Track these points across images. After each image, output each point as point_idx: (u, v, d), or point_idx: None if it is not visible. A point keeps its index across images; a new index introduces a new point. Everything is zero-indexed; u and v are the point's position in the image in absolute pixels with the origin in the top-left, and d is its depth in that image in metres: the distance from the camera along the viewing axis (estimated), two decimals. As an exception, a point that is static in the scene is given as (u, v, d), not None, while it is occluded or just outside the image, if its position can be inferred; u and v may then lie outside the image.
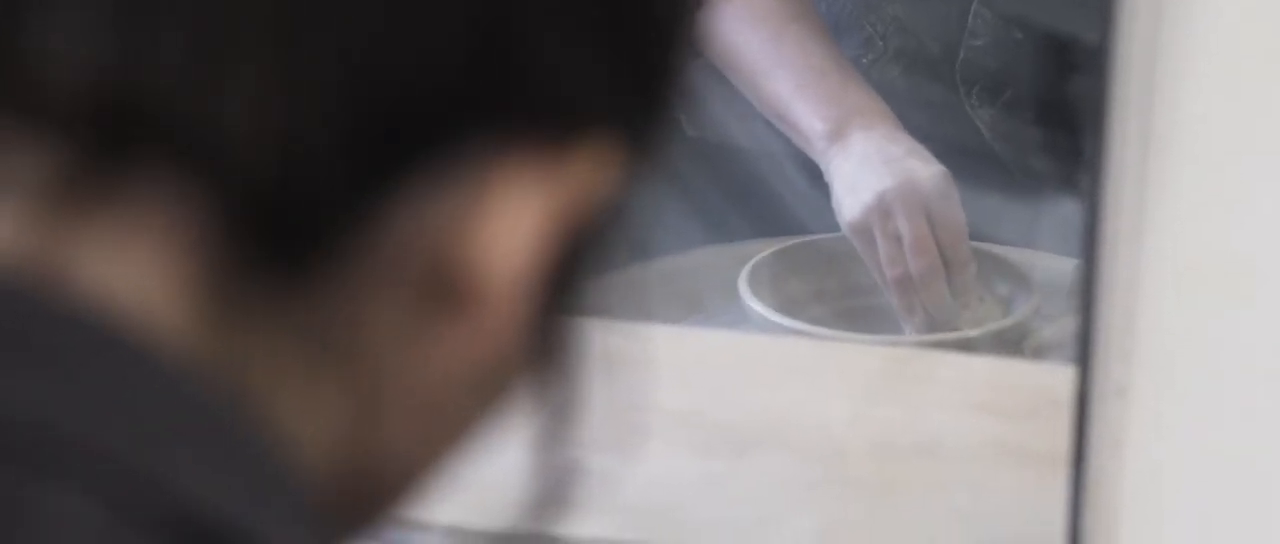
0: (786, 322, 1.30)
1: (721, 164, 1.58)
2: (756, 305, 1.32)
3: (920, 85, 1.58)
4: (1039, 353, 1.28)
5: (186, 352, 0.38)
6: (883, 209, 1.35)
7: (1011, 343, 1.30)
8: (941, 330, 1.34)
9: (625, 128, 0.42)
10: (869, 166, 1.38)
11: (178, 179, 0.38)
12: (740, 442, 0.94)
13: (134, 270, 0.38)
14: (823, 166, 1.42)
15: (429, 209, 0.40)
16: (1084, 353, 0.71)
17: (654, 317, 1.30)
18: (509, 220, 0.40)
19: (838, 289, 1.41)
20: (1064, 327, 1.28)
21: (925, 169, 1.37)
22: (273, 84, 0.37)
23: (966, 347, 1.26)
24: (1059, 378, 0.73)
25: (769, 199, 1.53)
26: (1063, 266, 1.39)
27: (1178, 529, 0.72)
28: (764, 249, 1.39)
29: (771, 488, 0.91)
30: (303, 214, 0.38)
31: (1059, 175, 1.53)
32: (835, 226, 1.42)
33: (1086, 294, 0.71)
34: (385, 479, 0.43)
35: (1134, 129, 0.69)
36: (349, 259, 0.39)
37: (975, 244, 1.38)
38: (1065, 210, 1.48)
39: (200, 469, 0.38)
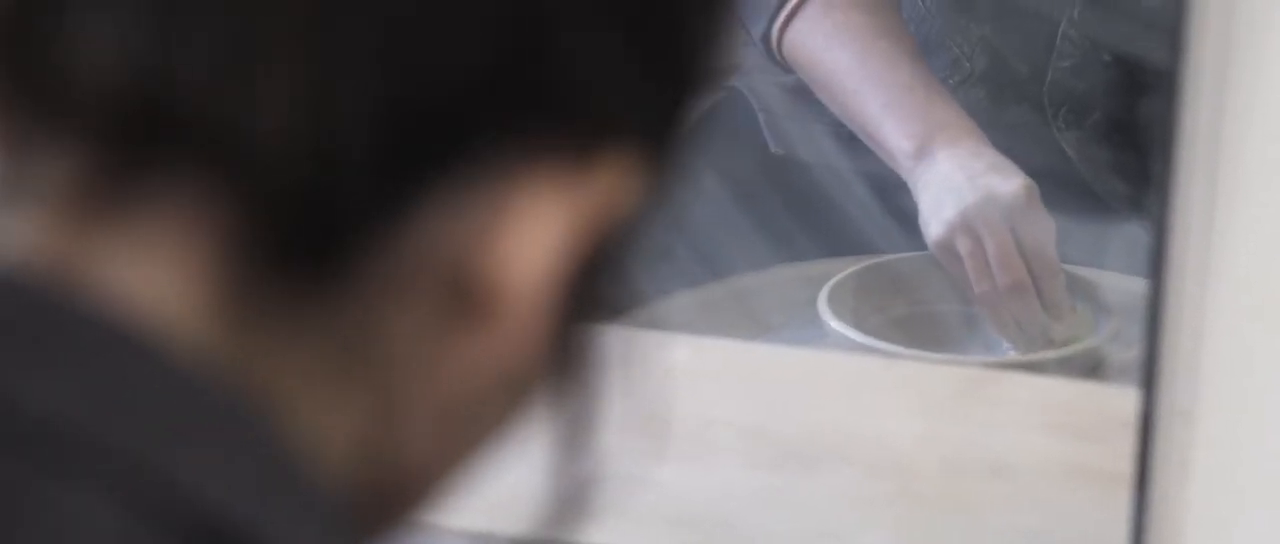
0: (868, 341, 1.30)
1: (792, 182, 1.58)
2: (836, 324, 1.32)
3: (1006, 107, 1.58)
4: (1119, 376, 1.27)
5: (206, 354, 0.39)
6: (965, 226, 1.35)
7: (1090, 367, 1.29)
8: (1035, 344, 1.34)
9: (650, 139, 0.42)
10: (952, 184, 1.38)
11: (204, 182, 0.38)
12: (807, 457, 0.94)
13: (157, 272, 0.38)
14: (910, 185, 1.42)
15: (453, 217, 0.40)
16: (1149, 375, 0.71)
17: (724, 334, 1.30)
18: (532, 230, 0.40)
19: (916, 309, 1.41)
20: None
21: (1006, 183, 1.36)
22: (303, 88, 0.38)
23: (1043, 369, 1.26)
24: (1129, 400, 0.73)
25: (838, 218, 1.52)
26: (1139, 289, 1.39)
27: (1240, 553, 0.72)
28: (835, 269, 1.39)
29: (837, 504, 0.91)
30: (328, 219, 0.39)
31: (1143, 199, 1.53)
32: (904, 247, 1.42)
33: (1153, 316, 0.71)
34: (403, 484, 0.43)
35: (1202, 152, 0.69)
36: (372, 265, 0.40)
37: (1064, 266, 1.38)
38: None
39: (216, 471, 0.38)
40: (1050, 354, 1.32)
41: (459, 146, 0.39)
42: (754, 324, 1.39)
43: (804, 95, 1.61)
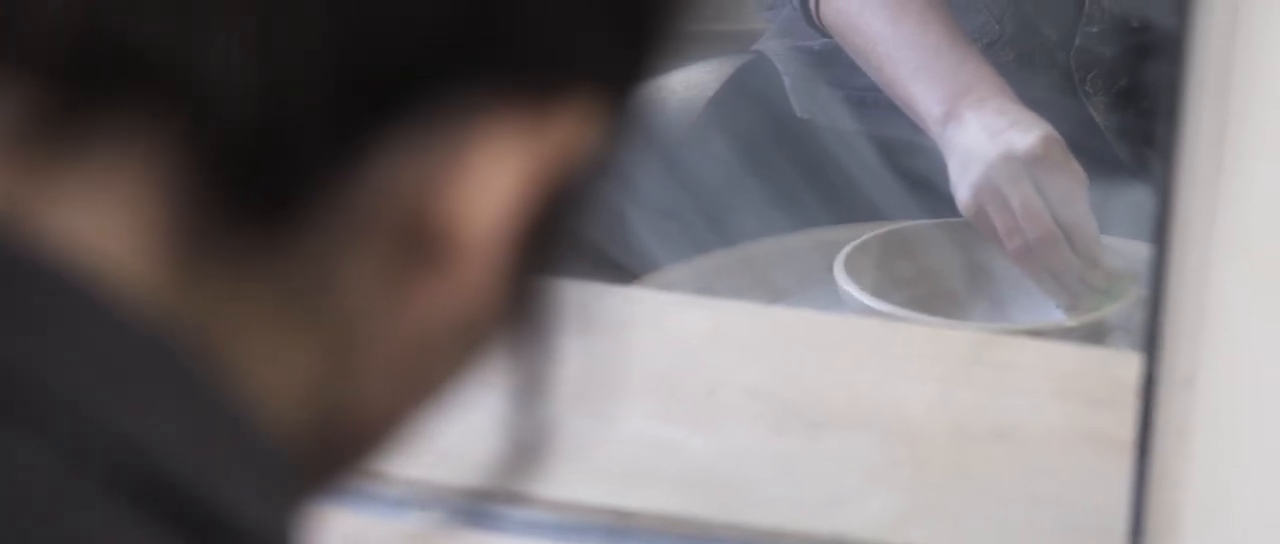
0: (884, 307, 1.30)
1: (807, 147, 1.58)
2: (853, 290, 1.32)
3: (1034, 72, 1.57)
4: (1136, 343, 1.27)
5: (152, 301, 0.38)
6: (989, 186, 1.36)
7: (1104, 334, 1.29)
8: (1079, 297, 1.34)
9: (609, 87, 0.42)
10: (975, 146, 1.39)
11: (153, 126, 0.38)
12: (816, 420, 0.94)
13: (104, 218, 0.38)
14: (941, 148, 1.42)
15: (408, 162, 0.39)
16: (1152, 342, 0.71)
17: (737, 300, 1.31)
18: (488, 178, 0.40)
19: (932, 276, 1.41)
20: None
21: (1025, 138, 1.37)
22: (255, 31, 0.37)
23: (1061, 336, 1.26)
24: (1136, 366, 0.73)
25: (853, 185, 1.53)
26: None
27: (1240, 519, 0.72)
28: (848, 236, 1.39)
29: (845, 467, 0.92)
30: (280, 165, 0.38)
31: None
32: (919, 215, 1.42)
33: (1156, 283, 0.71)
34: (355, 432, 0.43)
35: (1208, 118, 0.69)
36: (326, 211, 0.39)
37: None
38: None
39: (158, 419, 0.38)
40: (1071, 322, 1.32)
41: (414, 93, 0.39)
42: (766, 289, 1.39)
43: (830, 59, 1.61)
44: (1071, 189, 1.36)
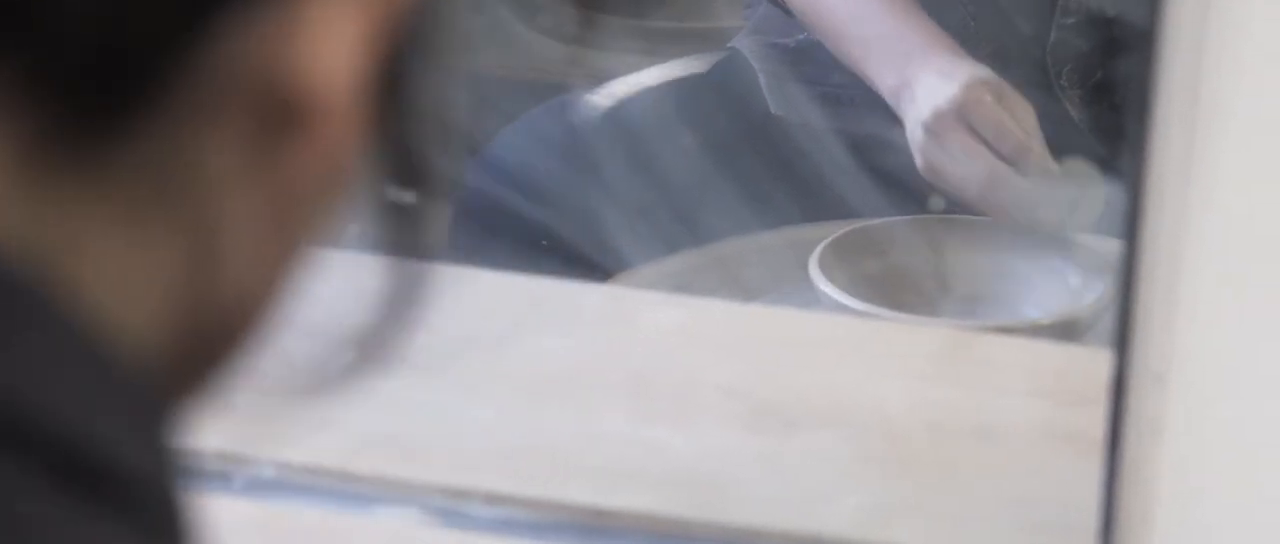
0: (860, 305, 1.30)
1: (778, 146, 1.58)
2: (828, 288, 1.32)
3: (1010, 67, 1.58)
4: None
5: (2, 239, 0.37)
6: (930, 145, 1.40)
7: (1080, 331, 1.30)
8: (1051, 218, 1.37)
9: None
10: (916, 111, 1.41)
11: None
12: (792, 418, 0.94)
13: None
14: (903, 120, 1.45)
15: (249, 33, 0.39)
16: (1123, 339, 0.72)
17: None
18: (330, 28, 0.39)
19: (901, 273, 1.41)
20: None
21: (948, 88, 1.39)
22: None
23: (1035, 333, 1.26)
24: (1109, 363, 0.73)
25: (825, 183, 1.54)
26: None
27: (1212, 517, 0.72)
28: (821, 234, 1.40)
29: (821, 465, 0.92)
30: (121, 54, 0.37)
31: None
32: (891, 213, 1.43)
33: (1127, 280, 0.71)
34: (231, 319, 0.42)
35: (1179, 114, 0.69)
36: (176, 96, 0.38)
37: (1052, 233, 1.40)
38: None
39: (20, 362, 0.37)
40: (1044, 320, 1.33)
41: None
42: (740, 288, 1.39)
43: (806, 57, 1.62)
44: (1005, 124, 1.39)
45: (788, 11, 1.61)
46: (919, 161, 1.42)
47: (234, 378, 0.43)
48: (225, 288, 0.41)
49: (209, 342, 0.42)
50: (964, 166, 1.39)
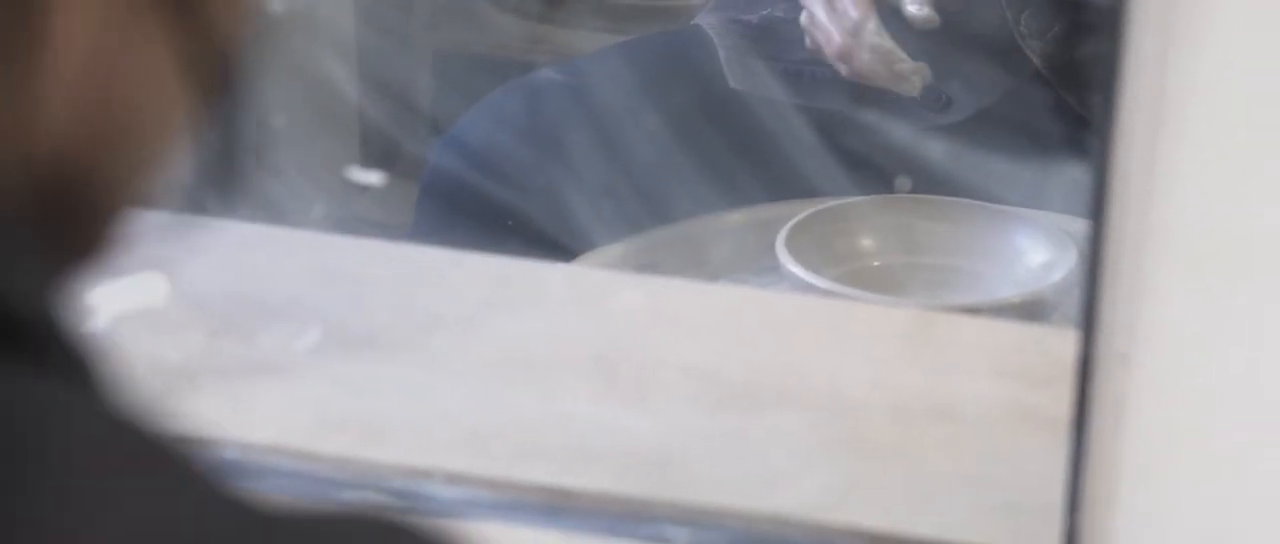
0: (826, 284, 1.30)
1: (738, 123, 1.59)
2: (795, 268, 1.32)
3: (971, 15, 1.58)
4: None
5: None
6: (806, 26, 1.53)
7: (1046, 310, 1.30)
8: (901, 78, 1.49)
9: None
10: None
11: None
12: (754, 398, 0.94)
13: None
14: None
15: None
16: (1088, 318, 0.72)
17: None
18: None
19: (866, 252, 1.41)
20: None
21: None
22: None
23: (1000, 313, 1.27)
24: (1074, 343, 0.73)
25: (785, 161, 1.54)
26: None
27: (1176, 497, 0.72)
28: (785, 214, 1.40)
29: (786, 446, 0.92)
30: None
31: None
32: (852, 191, 1.43)
33: (1092, 259, 0.71)
34: (93, 146, 0.41)
35: (1145, 94, 0.69)
36: None
37: (1020, 209, 1.40)
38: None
39: None
40: (1015, 298, 1.33)
41: None
42: (705, 269, 1.39)
43: (768, 34, 1.62)
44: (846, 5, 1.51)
45: None
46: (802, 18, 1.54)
47: (121, 218, 0.42)
48: (72, 111, 0.40)
49: (75, 212, 0.41)
50: (821, 41, 1.52)
